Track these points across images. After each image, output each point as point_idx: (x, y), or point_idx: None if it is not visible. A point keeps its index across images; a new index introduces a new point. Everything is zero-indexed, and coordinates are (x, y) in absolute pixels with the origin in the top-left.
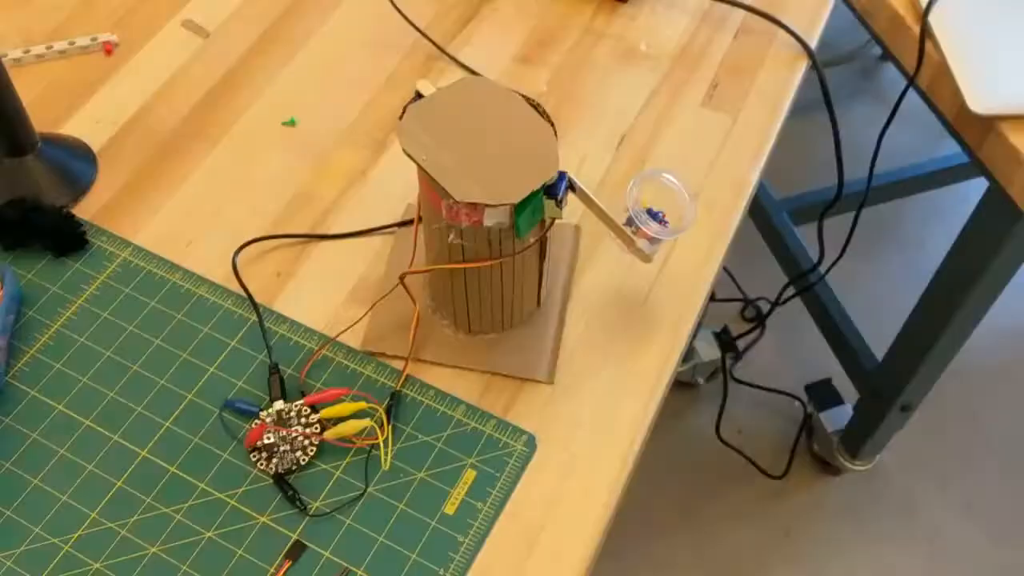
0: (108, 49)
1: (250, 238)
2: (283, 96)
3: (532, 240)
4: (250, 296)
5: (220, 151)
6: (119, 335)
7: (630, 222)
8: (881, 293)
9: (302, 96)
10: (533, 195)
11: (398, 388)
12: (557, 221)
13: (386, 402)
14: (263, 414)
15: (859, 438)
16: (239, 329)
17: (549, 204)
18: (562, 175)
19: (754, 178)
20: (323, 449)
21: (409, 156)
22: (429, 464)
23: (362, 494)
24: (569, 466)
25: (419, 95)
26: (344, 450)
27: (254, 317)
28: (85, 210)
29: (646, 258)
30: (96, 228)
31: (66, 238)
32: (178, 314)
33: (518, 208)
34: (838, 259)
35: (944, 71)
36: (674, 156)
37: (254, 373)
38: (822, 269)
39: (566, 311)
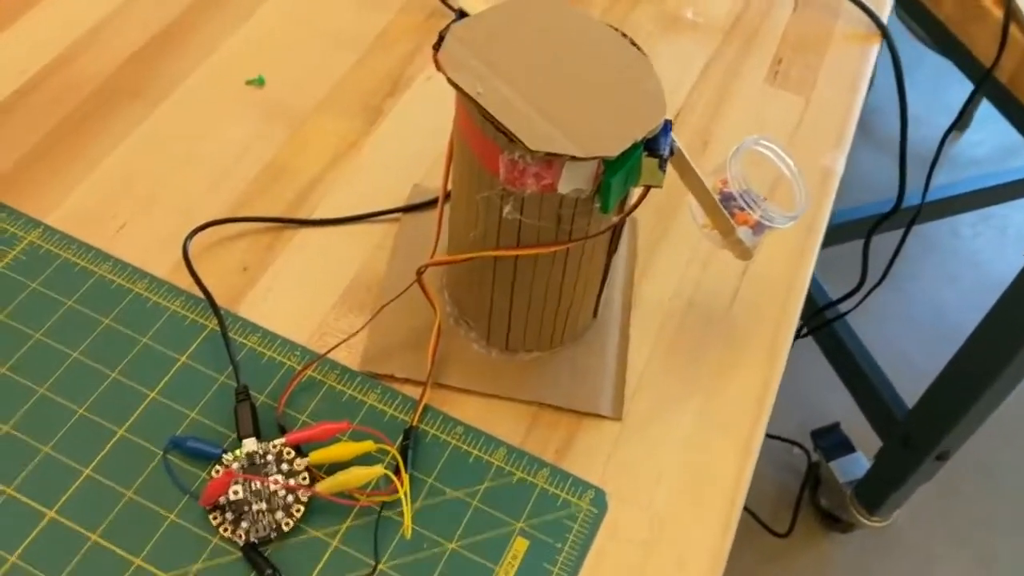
0: None
1: (206, 220)
2: (246, 49)
3: (613, 220)
4: (208, 294)
5: (163, 112)
6: (20, 345)
7: (726, 204)
8: (902, 328)
9: (271, 51)
10: (632, 150)
11: (414, 423)
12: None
13: (399, 441)
14: (227, 458)
15: (880, 490)
16: (192, 340)
17: (649, 165)
18: (667, 124)
19: (840, 167)
20: (314, 508)
21: (456, 87)
22: (463, 530)
23: (372, 573)
24: (654, 532)
25: (463, 13)
26: (344, 509)
27: (213, 324)
28: None
29: (746, 253)
30: None
31: None
32: (106, 318)
33: (609, 168)
34: (876, 286)
35: None
36: (740, 139)
37: (213, 400)
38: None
39: (629, 325)
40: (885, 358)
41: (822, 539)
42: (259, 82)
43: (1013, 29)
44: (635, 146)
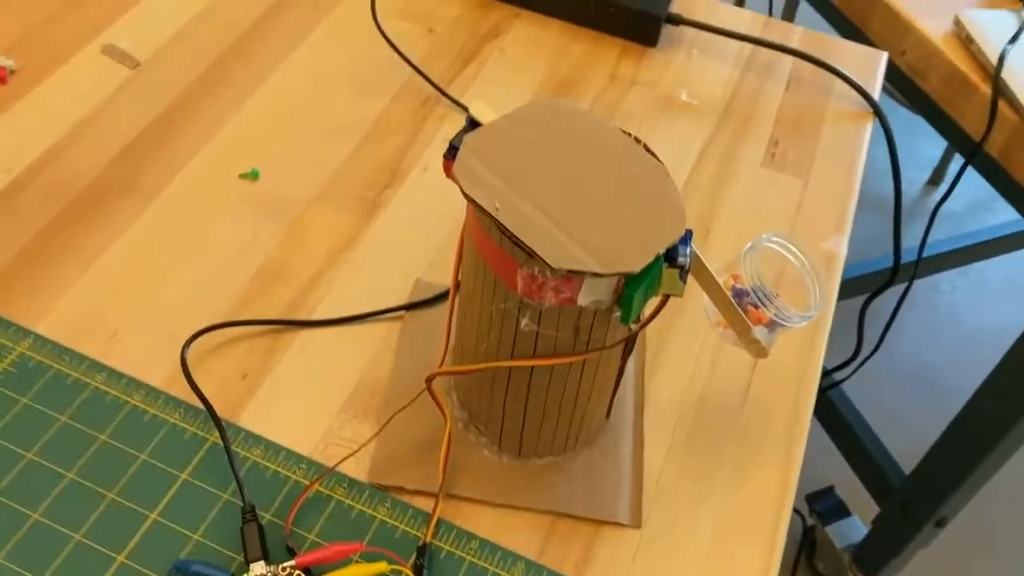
0: (1, 77)
1: (203, 325)
2: (239, 142)
3: (632, 328)
4: (209, 407)
5: (156, 210)
6: (12, 466)
7: (739, 300)
8: (889, 387)
9: (264, 143)
10: (653, 262)
11: (427, 540)
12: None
13: (412, 559)
14: None
15: (878, 556)
16: (193, 454)
17: (670, 275)
18: (688, 234)
19: (843, 250)
20: None
21: (473, 203)
22: None
23: None
24: None
25: (473, 123)
26: None
27: (214, 436)
28: None
29: (761, 351)
30: None
31: None
32: (101, 434)
33: (631, 281)
34: (871, 354)
35: (1021, 135)
36: (741, 227)
37: (218, 520)
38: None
39: (643, 426)
40: (872, 417)
41: None
42: (253, 175)
43: (1002, 105)
44: (657, 258)
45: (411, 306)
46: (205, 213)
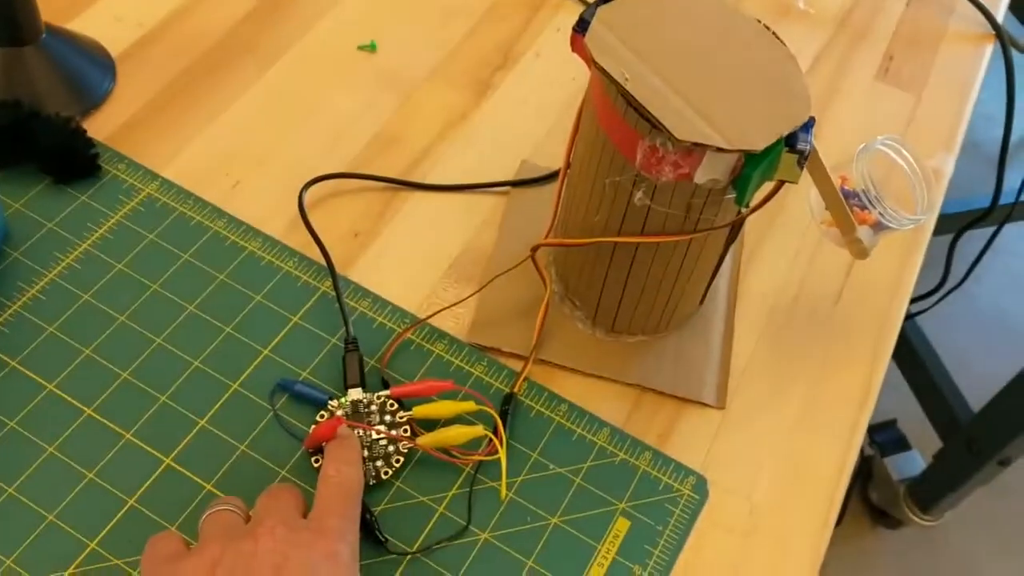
0: None
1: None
2: (359, 14)
3: (741, 211)
4: (325, 253)
5: (277, 73)
6: (138, 295)
7: (846, 202)
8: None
9: (384, 16)
10: (773, 144)
11: (515, 390)
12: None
13: (500, 406)
14: (333, 404)
15: (935, 491)
16: (304, 301)
17: (788, 160)
18: (810, 121)
19: (949, 168)
20: (412, 460)
21: (602, 72)
22: (566, 506)
23: (466, 533)
24: (754, 521)
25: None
26: (442, 468)
27: (325, 286)
28: (98, 129)
29: (863, 252)
30: (112, 152)
31: (73, 159)
32: (220, 274)
33: (749, 161)
34: (955, 288)
35: None
36: (849, 136)
37: (324, 362)
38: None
39: (734, 316)
40: (944, 356)
41: (868, 533)
42: (371, 48)
43: None
44: (777, 141)
45: (518, 183)
46: (324, 79)
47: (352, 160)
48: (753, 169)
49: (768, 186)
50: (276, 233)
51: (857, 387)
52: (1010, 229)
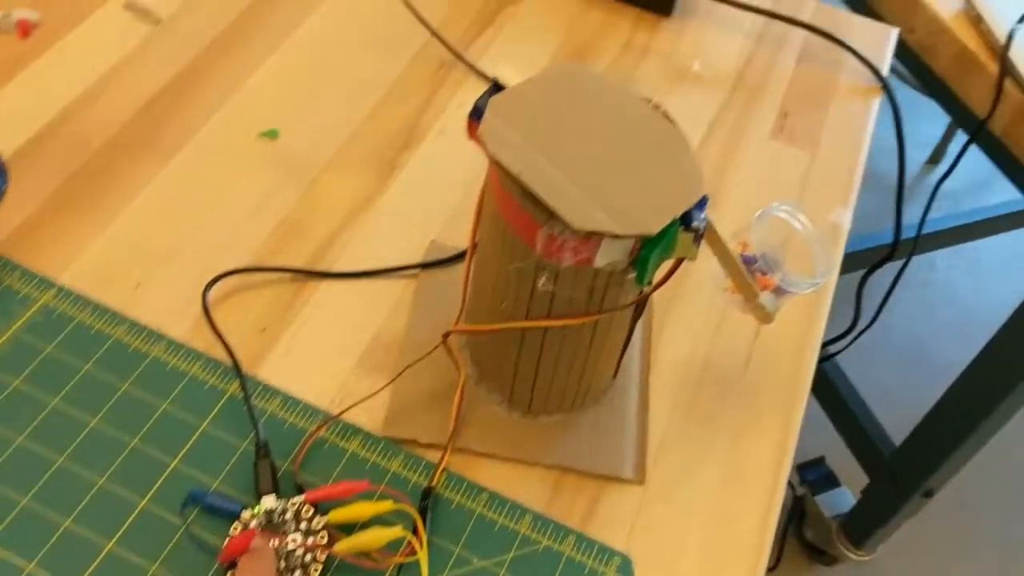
0: (25, 30)
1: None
2: (258, 101)
3: (644, 289)
4: (230, 351)
5: (176, 167)
6: (37, 413)
7: (746, 268)
8: (882, 362)
9: (283, 103)
10: (669, 225)
11: (432, 484)
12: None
13: (419, 502)
14: (246, 515)
15: (866, 526)
16: (212, 405)
17: (685, 239)
18: (703, 199)
19: (847, 223)
20: (331, 567)
21: (498, 165)
22: None
23: None
24: None
25: (498, 86)
26: (364, 571)
27: (233, 388)
28: None
29: (767, 317)
30: (3, 261)
31: None
32: (124, 383)
33: (647, 244)
34: (867, 328)
35: None
36: (749, 197)
37: (236, 469)
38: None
39: (648, 387)
40: (865, 391)
41: (805, 571)
42: (272, 135)
43: (1008, 84)
44: (673, 221)
45: (426, 265)
46: (225, 170)
47: (257, 251)
48: (651, 251)
49: (670, 261)
50: (181, 335)
51: (773, 445)
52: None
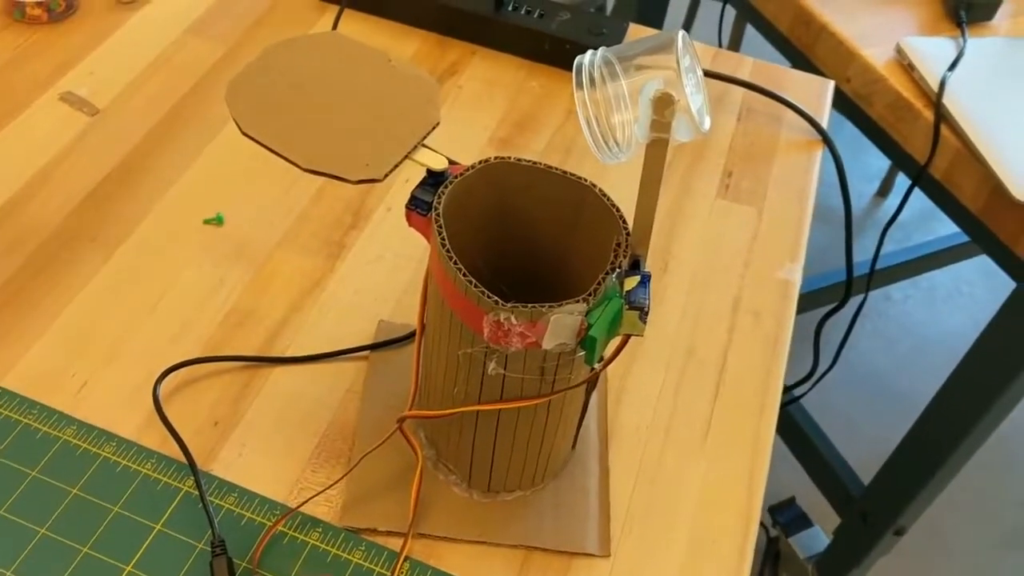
0: None
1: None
2: (202, 188)
3: (596, 367)
4: (184, 446)
5: (120, 259)
6: None
7: None
8: (845, 396)
9: (227, 187)
10: (612, 303)
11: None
12: None
13: None
14: None
15: (841, 565)
16: (166, 505)
17: (630, 317)
18: (645, 277)
19: (797, 279)
20: None
21: (446, 255)
22: None
23: None
24: None
25: (432, 173)
26: None
27: (187, 485)
28: None
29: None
30: None
31: None
32: (73, 488)
33: (593, 324)
34: (828, 371)
35: (964, 158)
36: (699, 257)
37: (192, 570)
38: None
39: (608, 457)
40: (830, 427)
41: None
42: (218, 221)
43: (944, 130)
44: (617, 300)
45: (375, 346)
46: (170, 260)
47: (207, 341)
48: (596, 331)
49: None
50: (131, 434)
51: (739, 508)
52: (871, 292)
